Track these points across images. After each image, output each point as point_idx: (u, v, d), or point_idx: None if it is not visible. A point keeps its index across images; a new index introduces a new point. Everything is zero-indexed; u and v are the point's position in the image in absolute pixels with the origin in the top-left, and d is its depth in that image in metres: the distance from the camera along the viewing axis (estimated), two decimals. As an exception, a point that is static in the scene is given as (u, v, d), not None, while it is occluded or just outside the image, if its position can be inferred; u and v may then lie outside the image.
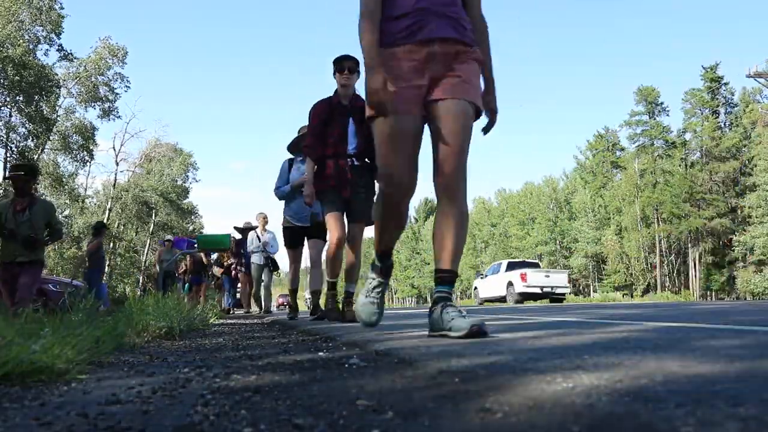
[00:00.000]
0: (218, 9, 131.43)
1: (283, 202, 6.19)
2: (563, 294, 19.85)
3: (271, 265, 10.35)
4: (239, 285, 12.56)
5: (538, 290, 19.18)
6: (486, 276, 22.28)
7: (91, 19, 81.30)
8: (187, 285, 13.53)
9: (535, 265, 21.84)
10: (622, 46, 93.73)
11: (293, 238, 6.15)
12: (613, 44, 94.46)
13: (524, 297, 19.14)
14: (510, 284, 19.72)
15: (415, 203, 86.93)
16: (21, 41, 25.83)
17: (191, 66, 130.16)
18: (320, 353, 2.02)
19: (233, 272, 12.31)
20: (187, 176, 44.52)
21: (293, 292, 6.62)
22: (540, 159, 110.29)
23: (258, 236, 10.35)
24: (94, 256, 10.58)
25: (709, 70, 40.42)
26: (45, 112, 27.53)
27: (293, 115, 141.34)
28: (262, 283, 10.48)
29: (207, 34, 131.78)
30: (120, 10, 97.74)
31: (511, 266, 20.80)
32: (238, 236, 11.45)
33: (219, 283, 13.68)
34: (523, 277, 19.23)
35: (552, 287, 19.37)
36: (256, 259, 10.30)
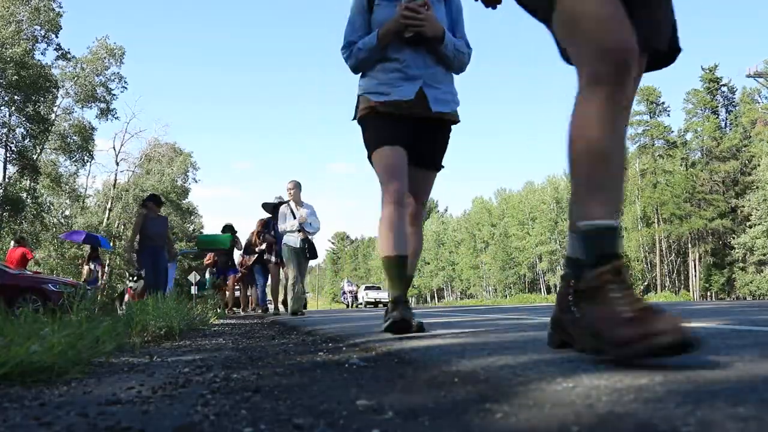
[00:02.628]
0: (222, 8, 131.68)
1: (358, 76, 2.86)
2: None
3: (309, 251, 7.86)
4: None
5: (373, 300, 34.98)
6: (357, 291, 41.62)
7: (91, 18, 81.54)
8: (209, 280, 13.01)
9: (377, 288, 39.02)
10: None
11: (394, 129, 2.66)
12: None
13: (368, 303, 34.52)
14: (364, 296, 36.83)
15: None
16: (20, 41, 25.84)
17: (194, 66, 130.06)
18: (320, 353, 2.02)
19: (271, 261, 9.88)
20: (187, 176, 44.55)
21: (401, 264, 2.55)
22: (540, 159, 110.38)
23: (292, 211, 7.90)
24: (141, 236, 8.62)
25: (708, 71, 40.48)
26: (43, 112, 27.53)
27: (296, 115, 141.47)
28: (291, 274, 7.93)
29: (210, 34, 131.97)
30: (120, 9, 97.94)
31: (366, 288, 39.04)
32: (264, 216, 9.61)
33: (243, 276, 11.63)
34: (367, 293, 36.79)
35: (381, 299, 33.86)
36: (290, 241, 7.84)
